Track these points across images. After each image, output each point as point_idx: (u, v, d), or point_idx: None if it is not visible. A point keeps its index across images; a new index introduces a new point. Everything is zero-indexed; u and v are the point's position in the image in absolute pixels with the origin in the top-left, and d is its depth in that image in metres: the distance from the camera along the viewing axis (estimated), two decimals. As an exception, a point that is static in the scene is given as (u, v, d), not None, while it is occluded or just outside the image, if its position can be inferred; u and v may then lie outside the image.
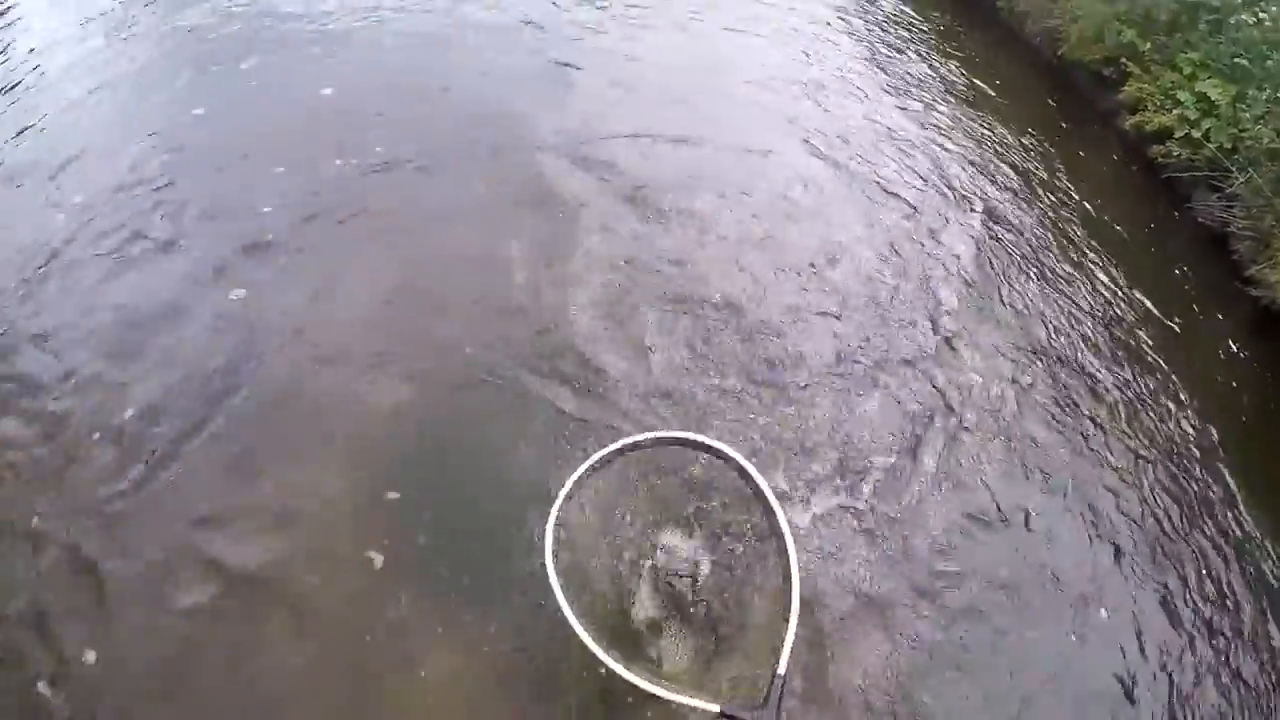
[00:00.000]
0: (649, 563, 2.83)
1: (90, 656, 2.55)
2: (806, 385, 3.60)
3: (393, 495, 3.03)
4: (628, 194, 4.59)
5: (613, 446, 2.69)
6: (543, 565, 2.40)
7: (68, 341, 3.56)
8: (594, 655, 2.24)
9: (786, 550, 2.43)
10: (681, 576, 2.80)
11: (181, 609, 2.67)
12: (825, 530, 3.05)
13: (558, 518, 2.53)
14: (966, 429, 3.55)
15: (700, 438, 2.77)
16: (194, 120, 5.08)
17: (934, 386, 3.72)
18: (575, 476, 2.60)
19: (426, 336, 3.69)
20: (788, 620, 2.30)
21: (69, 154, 4.71)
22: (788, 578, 2.41)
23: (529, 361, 3.54)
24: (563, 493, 2.57)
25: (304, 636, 2.64)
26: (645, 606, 2.74)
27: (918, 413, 3.58)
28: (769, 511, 2.54)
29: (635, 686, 2.20)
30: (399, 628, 2.68)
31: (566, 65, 5.87)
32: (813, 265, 4.29)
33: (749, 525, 2.88)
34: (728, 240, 4.39)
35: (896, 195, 4.95)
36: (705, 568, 2.84)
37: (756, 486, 2.58)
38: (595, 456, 2.66)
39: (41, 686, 2.47)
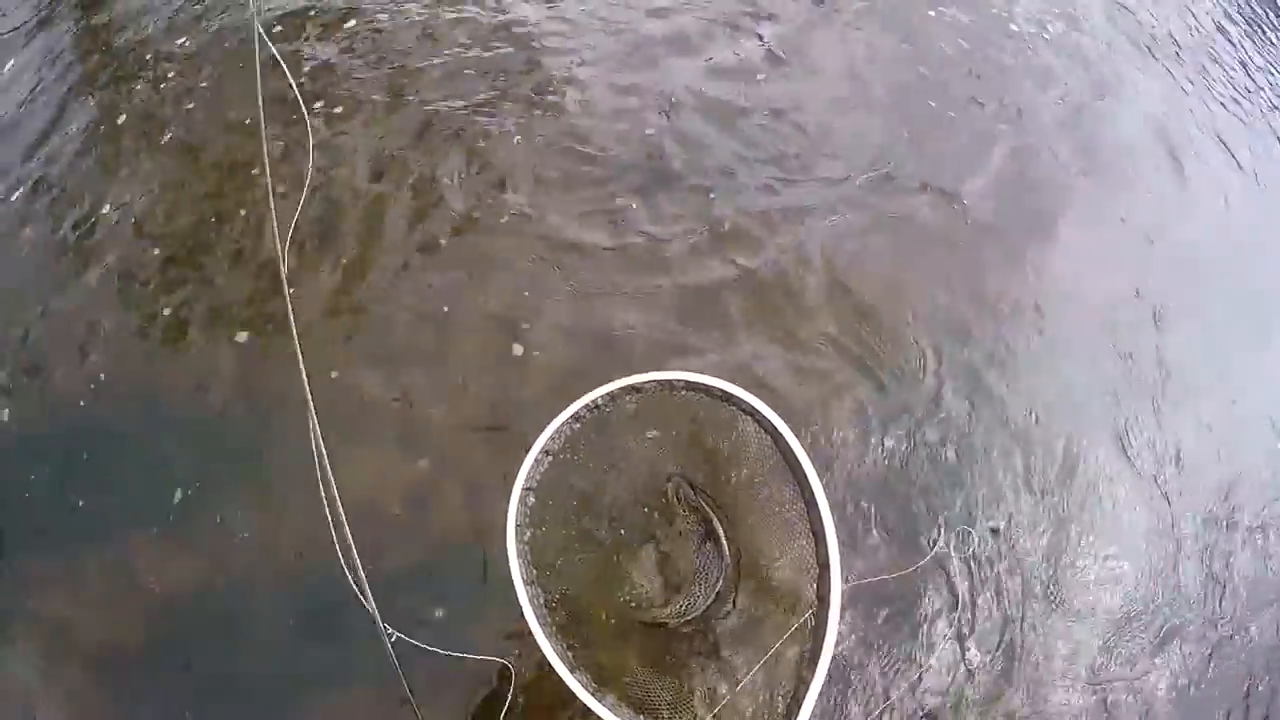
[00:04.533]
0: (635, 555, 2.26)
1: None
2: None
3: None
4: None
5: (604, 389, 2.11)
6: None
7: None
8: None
9: (827, 549, 1.81)
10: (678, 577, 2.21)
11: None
12: None
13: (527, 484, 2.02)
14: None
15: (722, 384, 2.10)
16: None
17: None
18: (554, 426, 2.05)
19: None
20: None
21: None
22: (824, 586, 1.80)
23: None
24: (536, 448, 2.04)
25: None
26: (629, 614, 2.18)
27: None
28: (810, 502, 1.89)
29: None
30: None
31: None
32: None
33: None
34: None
35: None
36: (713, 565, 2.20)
37: (791, 456, 1.94)
38: (582, 401, 2.09)
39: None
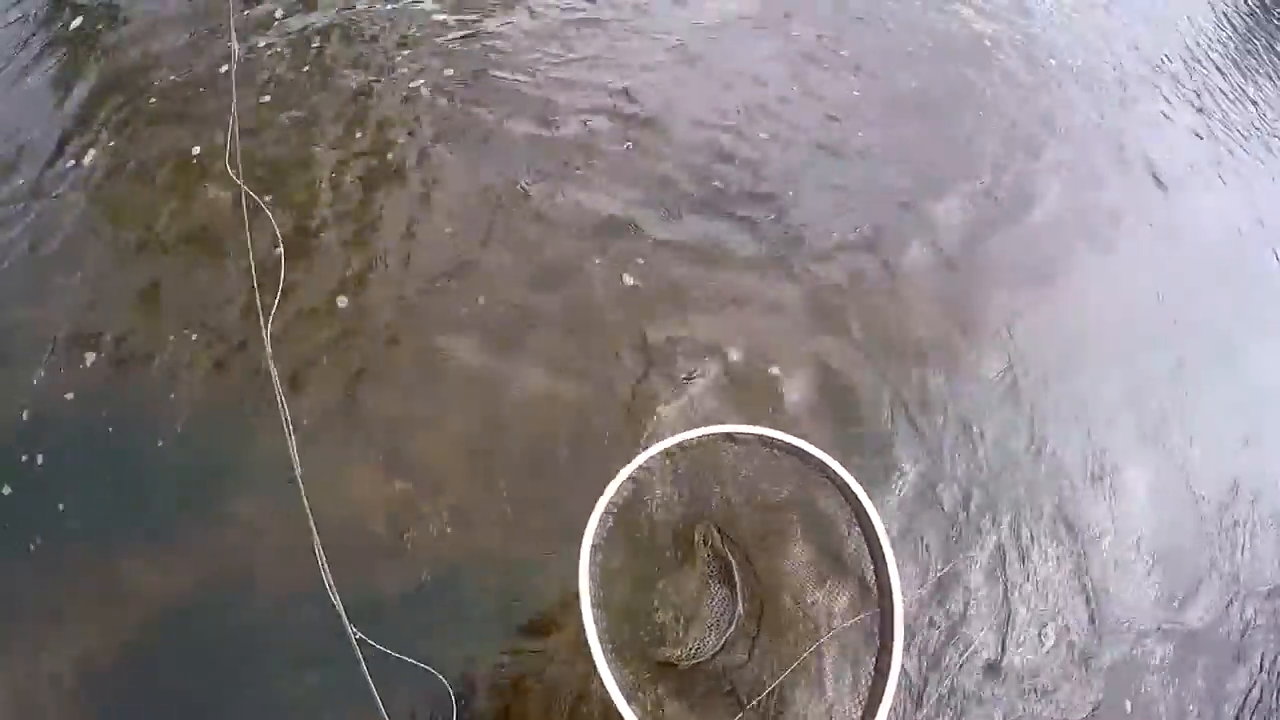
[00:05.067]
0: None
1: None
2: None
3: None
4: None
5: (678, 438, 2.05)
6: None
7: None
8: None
9: (893, 612, 1.95)
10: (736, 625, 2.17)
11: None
12: None
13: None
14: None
15: (802, 444, 2.14)
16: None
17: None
18: (648, 455, 1.94)
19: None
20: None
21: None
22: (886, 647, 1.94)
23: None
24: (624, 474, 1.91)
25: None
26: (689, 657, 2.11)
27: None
28: (875, 552, 2.02)
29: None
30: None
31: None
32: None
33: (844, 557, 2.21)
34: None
35: None
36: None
37: (861, 511, 2.05)
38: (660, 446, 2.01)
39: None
